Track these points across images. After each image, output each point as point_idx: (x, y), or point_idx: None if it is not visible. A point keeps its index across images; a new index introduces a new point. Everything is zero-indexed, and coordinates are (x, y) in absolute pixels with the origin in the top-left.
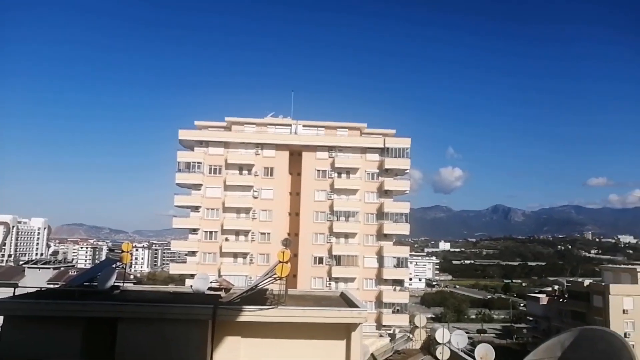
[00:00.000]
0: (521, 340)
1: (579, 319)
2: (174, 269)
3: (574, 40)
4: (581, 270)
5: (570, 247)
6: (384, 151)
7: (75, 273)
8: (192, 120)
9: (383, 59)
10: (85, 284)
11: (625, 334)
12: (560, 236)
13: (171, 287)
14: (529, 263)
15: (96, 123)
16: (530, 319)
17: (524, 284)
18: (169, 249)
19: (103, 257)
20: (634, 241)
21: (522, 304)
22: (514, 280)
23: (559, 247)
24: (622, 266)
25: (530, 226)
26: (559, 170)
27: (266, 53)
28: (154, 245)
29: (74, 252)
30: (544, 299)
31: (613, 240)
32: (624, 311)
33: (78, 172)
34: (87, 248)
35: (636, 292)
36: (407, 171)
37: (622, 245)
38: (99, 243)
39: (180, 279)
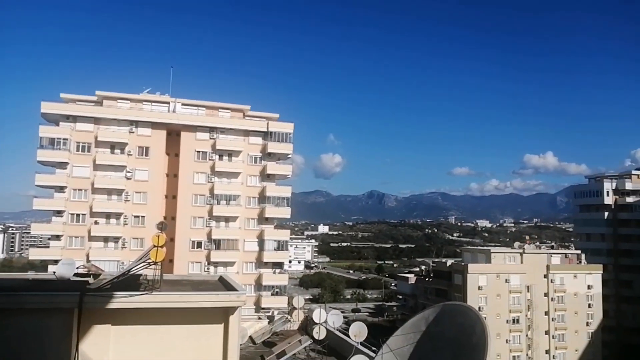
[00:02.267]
0: (391, 318)
1: (442, 296)
2: (35, 254)
3: (436, 33)
4: (445, 252)
5: (436, 230)
6: (267, 135)
7: None
8: (59, 93)
9: (267, 44)
10: None
11: (479, 307)
12: (428, 220)
13: (30, 274)
14: (400, 245)
15: None
16: (400, 297)
17: (395, 265)
18: (29, 233)
19: None
20: (489, 225)
21: (393, 284)
22: (386, 262)
23: (427, 230)
24: (479, 247)
25: (401, 211)
26: (428, 160)
27: (142, 25)
28: (10, 229)
29: None
30: (412, 278)
31: (472, 225)
32: (479, 287)
33: None
34: None
35: (489, 270)
36: (290, 156)
37: (480, 229)
38: None
39: (42, 266)
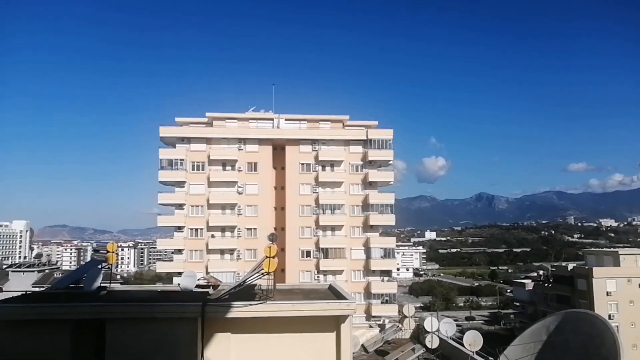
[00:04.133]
0: (509, 326)
1: (565, 303)
2: (161, 267)
3: (550, 32)
4: (565, 255)
5: (553, 232)
6: (367, 143)
7: (60, 275)
8: (173, 117)
9: (363, 52)
10: (71, 286)
11: (609, 315)
12: (543, 222)
13: (159, 286)
14: (514, 249)
15: (76, 124)
16: (517, 304)
17: (509, 270)
18: (155, 248)
19: (88, 258)
20: (615, 224)
21: (508, 290)
22: (500, 267)
23: (543, 232)
24: (604, 249)
25: (514, 213)
26: (541, 157)
27: (246, 48)
28: (139, 245)
29: (57, 254)
30: (529, 284)
31: (595, 224)
32: (607, 293)
33: (60, 173)
34: (71, 249)
35: (618, 274)
36: (391, 162)
37: (604, 229)
38: (83, 244)
39: (168, 278)
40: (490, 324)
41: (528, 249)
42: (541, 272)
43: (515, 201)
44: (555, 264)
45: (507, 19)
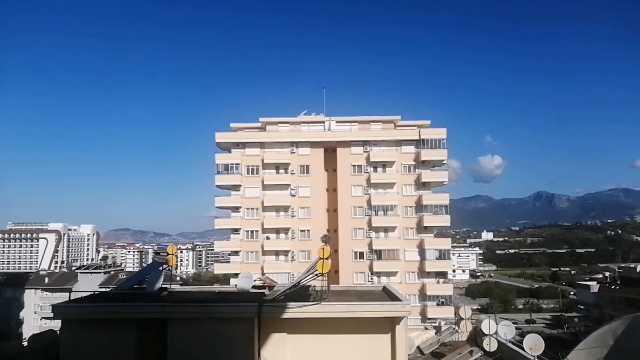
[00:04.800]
0: (573, 330)
1: (633, 306)
2: (218, 269)
3: (608, 25)
4: (633, 256)
5: (620, 232)
6: (419, 143)
7: (124, 276)
8: (228, 123)
9: (415, 51)
10: (135, 286)
11: None
12: (609, 221)
13: (216, 287)
14: (577, 250)
15: (136, 131)
16: (582, 307)
17: (572, 272)
18: (213, 250)
19: (149, 260)
20: None
21: (571, 292)
22: (561, 268)
23: (609, 232)
24: None
25: (576, 212)
26: (605, 153)
27: (295, 51)
28: (197, 247)
29: (122, 256)
30: (594, 286)
31: None
32: None
33: (121, 179)
34: (134, 252)
35: None
36: (445, 162)
37: None
38: (145, 247)
39: (225, 279)
40: (553, 328)
41: (592, 250)
42: (607, 273)
43: (577, 200)
44: (623, 265)
45: (560, 11)
